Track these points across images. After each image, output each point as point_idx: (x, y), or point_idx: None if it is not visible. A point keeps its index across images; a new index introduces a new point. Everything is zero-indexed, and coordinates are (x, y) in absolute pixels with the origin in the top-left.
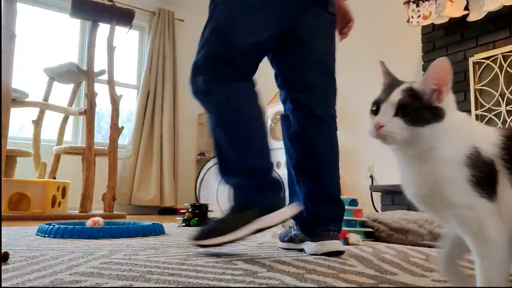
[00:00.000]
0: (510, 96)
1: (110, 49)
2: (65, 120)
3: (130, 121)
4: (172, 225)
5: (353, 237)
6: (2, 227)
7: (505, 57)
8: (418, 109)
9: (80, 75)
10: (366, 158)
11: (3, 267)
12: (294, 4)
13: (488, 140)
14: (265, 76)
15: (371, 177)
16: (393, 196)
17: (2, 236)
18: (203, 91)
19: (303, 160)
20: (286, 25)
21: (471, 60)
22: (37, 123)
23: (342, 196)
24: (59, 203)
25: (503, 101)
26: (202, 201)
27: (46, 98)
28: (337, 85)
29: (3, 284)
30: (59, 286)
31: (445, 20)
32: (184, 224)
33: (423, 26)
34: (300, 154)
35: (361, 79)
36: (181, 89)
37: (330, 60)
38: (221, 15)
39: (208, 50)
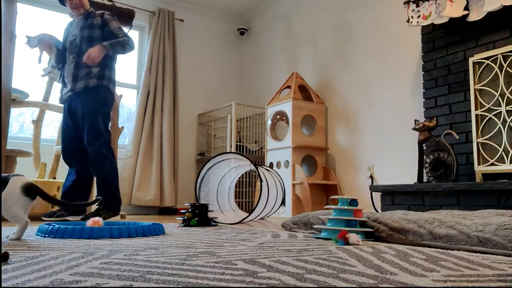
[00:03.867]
0: (510, 96)
1: None
2: None
3: (130, 121)
4: (172, 225)
5: (353, 237)
6: (2, 227)
7: (505, 57)
8: None
9: None
10: (366, 158)
11: (3, 267)
12: None
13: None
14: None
15: (371, 177)
16: (393, 196)
17: (2, 236)
18: None
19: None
20: None
21: (471, 60)
22: (37, 123)
23: (342, 196)
24: None
25: (503, 101)
26: (202, 201)
27: (46, 98)
28: (338, 86)
29: (3, 284)
30: (59, 286)
31: (445, 20)
32: (184, 224)
33: (423, 26)
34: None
35: (362, 79)
36: (181, 89)
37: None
38: None
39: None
